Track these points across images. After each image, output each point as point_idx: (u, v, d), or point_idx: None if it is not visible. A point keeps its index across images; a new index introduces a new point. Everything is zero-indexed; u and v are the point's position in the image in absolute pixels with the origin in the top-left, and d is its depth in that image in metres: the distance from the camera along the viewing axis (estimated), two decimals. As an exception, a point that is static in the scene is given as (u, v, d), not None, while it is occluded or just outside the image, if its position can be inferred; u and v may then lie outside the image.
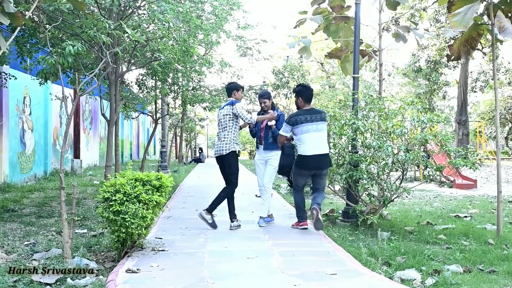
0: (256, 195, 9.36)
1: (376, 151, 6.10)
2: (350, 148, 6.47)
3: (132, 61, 8.93)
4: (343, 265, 4.23)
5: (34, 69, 8.72)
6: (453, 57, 6.61)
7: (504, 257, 4.69)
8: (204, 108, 14.94)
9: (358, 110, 6.58)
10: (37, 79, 7.85)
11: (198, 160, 27.15)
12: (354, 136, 6.27)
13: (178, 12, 8.59)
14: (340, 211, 7.00)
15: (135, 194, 4.38)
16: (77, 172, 14.26)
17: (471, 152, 6.39)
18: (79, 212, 6.86)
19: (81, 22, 6.13)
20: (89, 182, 11.71)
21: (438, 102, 30.07)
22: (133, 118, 16.18)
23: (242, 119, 6.08)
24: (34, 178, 11.91)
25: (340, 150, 6.53)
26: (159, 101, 14.36)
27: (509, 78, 25.56)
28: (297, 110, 6.09)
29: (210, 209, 5.97)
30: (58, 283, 3.79)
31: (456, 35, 8.55)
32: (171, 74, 10.86)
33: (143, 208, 4.37)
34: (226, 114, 6.02)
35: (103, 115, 9.38)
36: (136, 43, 7.58)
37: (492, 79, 22.54)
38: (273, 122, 6.32)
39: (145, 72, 10.69)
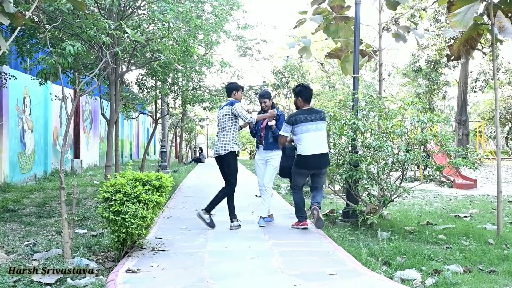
0: (256, 195, 9.36)
1: (376, 151, 6.10)
2: (350, 148, 6.47)
3: (132, 61, 8.93)
4: (343, 265, 4.23)
5: (34, 69, 8.72)
6: (453, 57, 6.61)
7: (504, 257, 4.69)
8: (204, 108, 14.94)
9: (358, 110, 6.58)
10: (37, 79, 7.84)
11: (198, 160, 27.15)
12: (354, 136, 6.27)
13: (178, 12, 8.59)
14: (340, 211, 7.00)
15: (135, 194, 4.38)
16: (77, 172, 14.26)
17: (471, 152, 6.39)
18: (79, 212, 6.86)
19: (81, 22, 6.13)
20: (89, 182, 11.71)
21: (438, 102, 30.07)
22: (133, 118, 16.18)
23: (242, 118, 6.08)
24: (34, 178, 11.91)
25: (340, 150, 6.53)
26: (159, 101, 14.36)
27: (509, 78, 25.56)
28: (296, 110, 6.10)
29: (208, 209, 5.98)
30: (58, 283, 3.79)
31: (456, 35, 8.55)
32: (171, 74, 10.86)
33: (143, 208, 4.37)
34: (226, 114, 6.02)
35: (103, 115, 9.38)
36: (136, 43, 7.58)
37: (492, 79, 22.55)
38: (273, 122, 6.32)
39: (145, 72, 10.69)
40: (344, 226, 6.28)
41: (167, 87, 11.53)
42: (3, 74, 9.10)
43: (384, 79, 18.09)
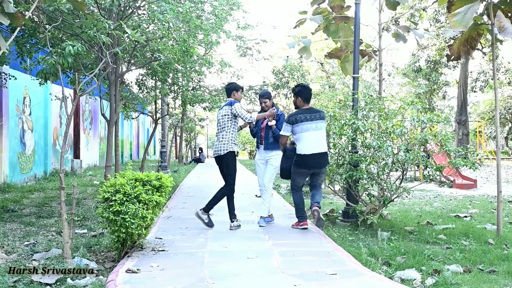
0: (256, 195, 9.36)
1: (376, 151, 6.10)
2: (350, 148, 6.47)
3: (132, 61, 8.93)
4: (343, 265, 4.23)
5: (34, 69, 8.72)
6: (453, 57, 6.61)
7: (504, 257, 4.69)
8: (204, 108, 14.94)
9: (358, 110, 6.58)
10: (37, 79, 7.85)
11: (198, 160, 27.15)
12: (354, 136, 6.27)
13: (178, 12, 8.59)
14: (340, 211, 7.00)
15: (135, 194, 4.38)
16: (77, 172, 14.26)
17: (471, 152, 6.40)
18: (79, 212, 6.86)
19: (81, 22, 6.13)
20: (89, 182, 11.71)
21: (438, 102, 30.08)
22: (133, 118, 16.18)
23: (242, 118, 6.09)
24: (34, 178, 11.91)
25: (340, 150, 6.53)
26: (159, 101, 14.36)
27: (509, 78, 25.56)
28: (296, 110, 6.11)
29: (207, 209, 5.98)
30: (58, 283, 3.79)
31: (456, 35, 8.56)
32: (171, 74, 10.86)
33: (143, 208, 4.37)
34: (225, 115, 6.03)
35: (103, 115, 9.38)
36: (136, 43, 7.58)
37: (492, 79, 22.54)
38: (273, 122, 6.32)
39: (145, 72, 10.69)
40: (344, 226, 6.28)
41: (167, 87, 11.54)
42: (3, 74, 9.10)
43: (384, 79, 18.10)
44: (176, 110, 22.18)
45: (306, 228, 5.88)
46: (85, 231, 5.82)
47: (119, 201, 4.29)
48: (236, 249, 4.88)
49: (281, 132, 6.05)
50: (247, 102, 17.91)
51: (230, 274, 3.94)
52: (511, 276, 4.13)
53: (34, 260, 4.43)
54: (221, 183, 6.17)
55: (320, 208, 5.83)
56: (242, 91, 6.43)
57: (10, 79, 9.37)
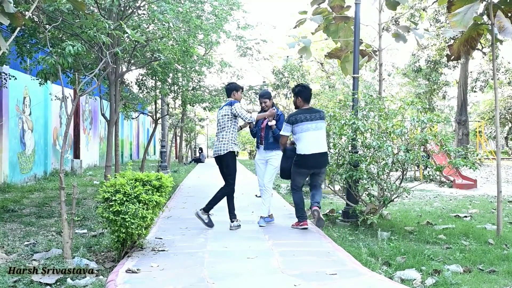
0: (256, 195, 9.36)
1: (376, 151, 6.10)
2: (350, 148, 6.47)
3: (132, 61, 8.93)
4: (343, 265, 4.23)
5: (34, 69, 8.72)
6: (453, 57, 6.61)
7: (504, 257, 4.69)
8: (204, 108, 14.94)
9: (358, 110, 6.58)
10: (37, 79, 7.85)
11: (198, 160, 27.15)
12: (354, 136, 6.27)
13: (178, 12, 8.59)
14: (340, 211, 7.00)
15: (135, 194, 4.38)
16: (77, 172, 14.27)
17: (471, 152, 6.40)
18: (79, 212, 6.86)
19: (81, 22, 6.13)
20: (89, 182, 11.71)
21: (438, 102, 30.08)
22: (133, 118, 16.18)
23: (242, 118, 6.08)
24: (34, 178, 11.91)
25: (340, 150, 6.53)
26: (159, 101, 14.36)
27: (509, 78, 25.56)
28: (296, 110, 6.12)
29: (207, 209, 5.98)
30: (58, 283, 3.79)
31: (456, 35, 8.56)
32: (171, 74, 10.86)
33: (143, 208, 4.37)
34: (225, 115, 6.03)
35: (103, 115, 9.38)
36: (136, 43, 7.58)
37: (492, 79, 22.54)
38: (273, 122, 6.33)
39: (145, 72, 10.69)
40: (344, 226, 6.28)
41: (167, 87, 11.54)
42: (3, 74, 9.10)
43: (384, 79, 18.10)
44: (176, 110, 22.18)
45: (306, 228, 5.88)
46: (85, 231, 5.82)
47: (119, 201, 4.29)
48: (236, 249, 4.88)
49: (281, 132, 6.05)
50: (247, 102, 17.91)
51: (230, 274, 3.94)
52: (511, 276, 4.13)
53: (34, 260, 4.43)
54: (221, 183, 6.17)
55: (320, 208, 5.83)
56: (242, 91, 6.43)
57: (10, 79, 9.38)
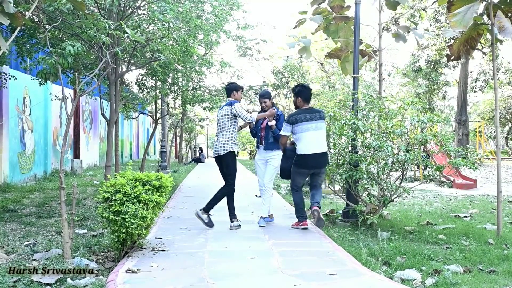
0: (256, 195, 9.36)
1: (376, 151, 6.10)
2: (350, 148, 6.47)
3: (132, 61, 8.93)
4: (343, 265, 4.23)
5: (34, 69, 8.73)
6: (453, 57, 6.61)
7: (504, 257, 4.69)
8: (204, 108, 14.94)
9: (358, 110, 6.58)
10: (37, 79, 7.85)
11: (198, 160, 27.15)
12: (354, 136, 6.27)
13: (178, 12, 8.59)
14: (340, 211, 7.00)
15: (135, 194, 4.38)
16: (77, 172, 14.27)
17: (471, 152, 6.40)
18: (79, 212, 6.86)
19: (81, 22, 6.13)
20: (89, 182, 11.71)
21: (438, 102, 30.09)
22: (133, 118, 16.18)
23: (242, 118, 6.08)
24: (34, 178, 11.91)
25: (340, 150, 6.53)
26: (159, 101, 14.36)
27: (509, 78, 25.56)
28: (296, 110, 6.12)
29: (207, 209, 5.98)
30: (58, 283, 3.79)
31: (456, 35, 8.56)
32: (171, 74, 10.86)
33: (143, 208, 4.37)
34: (225, 115, 6.03)
35: (103, 115, 9.38)
36: (136, 43, 7.58)
37: (492, 79, 22.54)
38: (273, 122, 6.33)
39: (145, 72, 10.69)
40: (344, 226, 6.28)
41: (167, 87, 11.54)
42: (3, 74, 9.10)
43: (384, 79, 18.10)
44: (176, 110, 22.18)
45: (306, 228, 5.89)
46: (85, 231, 5.82)
47: (119, 201, 4.29)
48: (236, 249, 4.88)
49: (281, 132, 6.05)
50: (247, 102, 17.91)
51: (230, 274, 3.94)
52: (511, 276, 4.13)
53: (34, 260, 4.43)
54: (221, 183, 6.17)
55: (320, 208, 5.84)
56: (242, 91, 6.43)
57: (10, 79, 9.38)
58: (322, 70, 26.59)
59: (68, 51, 4.60)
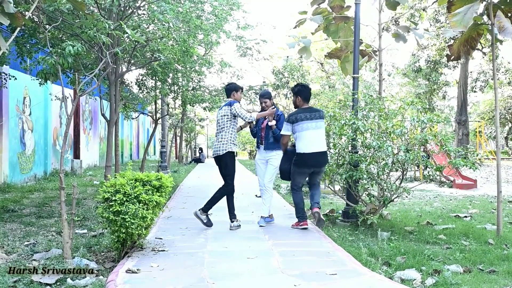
0: (256, 195, 9.36)
1: (376, 151, 6.10)
2: (350, 148, 6.47)
3: (132, 61, 8.93)
4: (343, 265, 4.23)
5: (34, 70, 8.73)
6: (453, 57, 6.61)
7: (504, 257, 4.69)
8: (204, 108, 14.95)
9: (358, 110, 6.58)
10: (37, 79, 7.85)
11: (198, 160, 27.15)
12: (354, 136, 6.28)
13: (178, 12, 8.59)
14: (340, 211, 7.00)
15: (135, 195, 4.38)
16: (77, 172, 14.27)
17: (471, 152, 6.40)
18: (79, 213, 6.86)
19: (81, 22, 6.13)
20: (89, 183, 11.71)
21: (438, 102, 30.09)
22: (133, 119, 16.18)
23: (242, 118, 6.08)
24: (34, 178, 11.91)
25: (340, 150, 6.53)
26: (159, 101, 14.36)
27: (509, 78, 25.57)
28: (296, 109, 6.13)
29: (206, 209, 5.98)
30: (58, 283, 3.79)
31: (456, 35, 8.56)
32: (171, 74, 10.86)
33: (143, 209, 4.37)
34: (224, 115, 6.03)
35: (103, 115, 9.38)
36: (136, 43, 7.58)
37: (492, 79, 22.54)
38: (273, 122, 6.33)
39: (145, 72, 10.70)
40: (344, 226, 6.28)
41: (167, 87, 11.54)
42: (3, 74, 9.10)
43: (384, 79, 18.10)
44: (176, 110, 22.18)
45: (306, 228, 5.89)
46: (85, 231, 5.82)
47: (119, 201, 4.30)
48: (236, 249, 4.88)
49: (282, 132, 6.06)
50: (247, 102, 17.92)
51: (230, 274, 3.94)
52: (511, 276, 4.13)
53: (34, 260, 4.43)
54: (221, 183, 6.18)
55: (320, 208, 5.85)
56: (242, 91, 6.44)
57: (10, 79, 9.38)
58: (322, 70, 26.60)
59: (68, 51, 4.60)
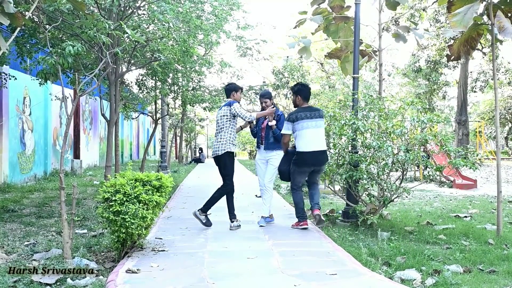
0: (256, 195, 9.36)
1: (376, 151, 6.10)
2: (350, 148, 6.47)
3: (132, 61, 8.93)
4: (343, 265, 4.23)
5: (34, 70, 8.73)
6: (453, 57, 6.61)
7: (504, 257, 4.69)
8: (204, 108, 14.95)
9: (358, 110, 6.58)
10: (37, 79, 7.85)
11: (198, 160, 27.15)
12: (354, 136, 6.28)
13: (178, 12, 8.59)
14: (340, 211, 7.00)
15: (135, 195, 4.38)
16: (77, 172, 14.27)
17: (471, 152, 6.39)
18: (79, 213, 6.86)
19: (81, 22, 6.13)
20: (89, 183, 11.71)
21: (438, 102, 30.10)
22: (133, 119, 16.18)
23: (241, 117, 6.08)
24: (34, 179, 11.91)
25: (340, 150, 6.53)
26: (159, 101, 14.36)
27: (509, 78, 25.57)
28: (296, 109, 6.14)
29: (205, 209, 5.99)
30: (58, 283, 3.79)
31: (456, 35, 8.56)
32: (171, 74, 10.86)
33: (143, 209, 4.37)
34: (224, 115, 6.03)
35: (103, 115, 9.38)
36: (136, 43, 7.58)
37: (492, 79, 22.55)
38: (273, 122, 6.33)
39: (145, 72, 10.70)
40: (344, 226, 6.28)
41: (167, 87, 11.54)
42: (3, 74, 9.10)
43: (384, 79, 18.10)
44: (176, 110, 22.18)
45: (306, 228, 5.89)
46: (85, 231, 5.82)
47: (119, 201, 4.30)
48: (236, 249, 4.88)
49: (283, 131, 6.07)
50: (247, 102, 17.91)
51: (230, 274, 3.94)
52: (511, 276, 4.12)
53: (34, 260, 4.43)
54: (221, 183, 6.18)
55: (320, 209, 5.86)
56: (242, 91, 6.44)
57: (10, 79, 9.38)
58: (322, 70, 26.60)
59: (68, 51, 4.60)
